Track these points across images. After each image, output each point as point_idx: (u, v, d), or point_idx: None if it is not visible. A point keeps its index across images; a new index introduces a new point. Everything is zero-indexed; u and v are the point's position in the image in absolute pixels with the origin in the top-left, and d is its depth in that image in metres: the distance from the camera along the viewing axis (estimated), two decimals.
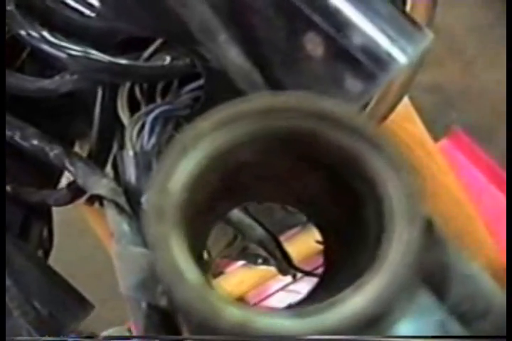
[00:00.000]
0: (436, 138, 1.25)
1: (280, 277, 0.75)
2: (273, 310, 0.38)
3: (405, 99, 0.96)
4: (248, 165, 0.42)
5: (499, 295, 0.46)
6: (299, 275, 0.75)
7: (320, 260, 0.69)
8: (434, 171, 1.08)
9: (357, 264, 0.39)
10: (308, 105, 0.37)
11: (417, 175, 0.37)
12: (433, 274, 0.41)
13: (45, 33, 0.55)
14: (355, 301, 0.35)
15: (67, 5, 0.55)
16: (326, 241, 0.53)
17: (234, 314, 0.35)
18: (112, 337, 0.61)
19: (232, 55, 0.47)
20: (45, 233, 0.67)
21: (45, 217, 0.67)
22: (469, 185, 1.26)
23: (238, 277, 1.11)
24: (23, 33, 0.56)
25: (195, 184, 0.37)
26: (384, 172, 0.37)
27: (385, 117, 0.58)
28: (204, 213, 0.43)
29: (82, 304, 0.61)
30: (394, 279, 0.35)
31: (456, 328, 0.40)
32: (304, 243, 0.90)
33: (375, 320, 0.37)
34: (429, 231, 0.43)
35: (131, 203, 0.55)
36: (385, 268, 0.36)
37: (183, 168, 0.36)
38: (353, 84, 0.46)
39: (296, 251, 0.77)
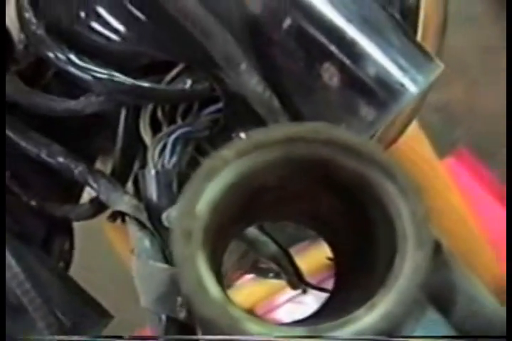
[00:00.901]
0: (441, 155, 1.26)
1: (288, 289, 0.75)
2: (290, 326, 0.39)
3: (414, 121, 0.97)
4: (268, 189, 0.43)
5: (500, 315, 0.48)
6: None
7: (327, 273, 0.70)
8: (441, 190, 1.08)
9: (368, 284, 0.40)
10: (325, 135, 0.38)
11: (424, 200, 0.38)
12: (440, 293, 0.43)
13: (72, 56, 0.56)
14: (368, 320, 0.37)
15: (94, 29, 0.56)
16: (337, 259, 0.54)
17: (254, 330, 0.36)
18: (135, 337, 0.62)
19: (253, 83, 0.47)
20: (67, 246, 0.68)
21: (67, 231, 0.67)
22: (474, 203, 1.26)
23: (247, 289, 1.12)
24: (51, 55, 0.57)
25: (219, 207, 0.38)
26: (395, 197, 0.38)
27: (394, 140, 0.59)
28: (224, 232, 0.45)
29: (102, 314, 0.62)
30: (404, 299, 0.37)
31: None
32: (313, 256, 0.90)
33: (387, 336, 0.39)
34: (438, 252, 0.44)
35: (151, 220, 0.56)
36: (396, 289, 0.37)
37: (208, 193, 0.37)
38: (367, 112, 0.46)
39: (305, 263, 0.77)
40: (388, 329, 0.37)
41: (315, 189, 0.44)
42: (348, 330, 0.37)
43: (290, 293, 1.21)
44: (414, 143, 0.99)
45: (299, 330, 0.37)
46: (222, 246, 0.50)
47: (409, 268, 0.37)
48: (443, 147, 1.29)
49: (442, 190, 1.09)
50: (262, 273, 0.76)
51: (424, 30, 0.57)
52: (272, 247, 0.64)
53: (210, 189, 0.38)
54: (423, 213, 0.38)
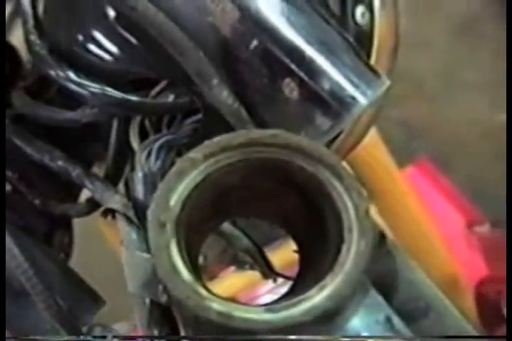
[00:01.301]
0: (403, 164, 1.27)
1: (268, 282, 0.75)
2: (251, 306, 0.40)
3: (373, 131, 0.98)
4: (234, 188, 0.43)
5: (438, 298, 0.48)
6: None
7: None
8: (397, 193, 1.09)
9: (321, 269, 0.40)
10: (282, 140, 0.39)
11: (367, 197, 0.39)
12: (383, 278, 0.43)
13: (71, 73, 0.56)
14: (318, 299, 0.37)
15: (90, 50, 0.56)
16: (300, 251, 0.55)
17: (220, 307, 0.37)
18: (126, 337, 0.61)
19: (224, 96, 0.47)
20: (66, 239, 0.68)
21: (67, 226, 0.68)
22: (432, 207, 1.27)
23: (229, 281, 1.12)
24: (52, 72, 0.57)
25: (190, 203, 0.39)
26: (341, 193, 0.39)
27: (352, 148, 0.59)
28: (198, 226, 0.45)
29: (96, 300, 0.62)
30: (349, 281, 0.38)
31: (400, 323, 0.41)
32: (287, 252, 0.91)
33: (333, 314, 0.39)
34: (382, 242, 0.45)
35: (138, 216, 0.55)
36: (342, 272, 0.38)
37: (180, 190, 0.38)
38: (322, 121, 0.46)
39: (280, 259, 0.77)
40: (334, 306, 0.38)
41: (275, 187, 0.44)
42: (300, 308, 0.38)
43: (270, 284, 1.21)
44: (374, 151, 0.99)
45: (257, 309, 0.38)
46: (197, 238, 0.50)
47: (353, 254, 0.38)
48: (404, 157, 1.29)
49: (400, 195, 1.09)
50: (239, 265, 0.76)
51: (378, 52, 0.57)
52: (245, 241, 0.65)
53: (181, 186, 0.38)
54: (365, 207, 0.39)
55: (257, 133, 0.40)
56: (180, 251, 0.38)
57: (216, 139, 0.39)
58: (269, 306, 0.38)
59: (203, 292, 0.38)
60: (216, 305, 0.37)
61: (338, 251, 0.39)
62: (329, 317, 0.39)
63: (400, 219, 1.03)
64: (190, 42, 0.47)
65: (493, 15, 1.83)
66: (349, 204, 0.39)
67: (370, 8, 0.58)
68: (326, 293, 0.38)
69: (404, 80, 1.60)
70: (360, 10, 0.57)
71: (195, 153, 0.39)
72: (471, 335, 0.47)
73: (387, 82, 0.49)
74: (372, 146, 0.97)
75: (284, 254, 0.91)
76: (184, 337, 0.50)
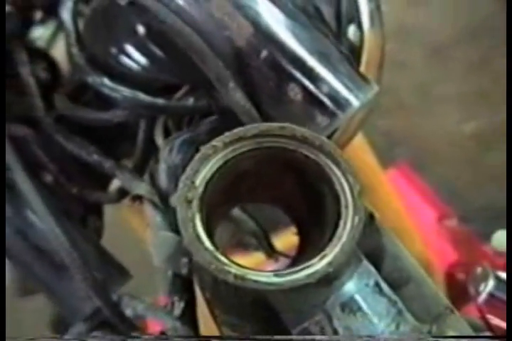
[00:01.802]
0: (385, 167, 1.27)
1: (271, 264, 0.75)
2: (262, 271, 0.41)
3: (361, 136, 0.99)
4: (245, 176, 0.44)
5: (417, 271, 0.49)
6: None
7: None
8: (382, 192, 1.09)
9: (319, 245, 0.41)
10: (289, 131, 0.40)
11: (360, 182, 0.40)
12: (372, 251, 0.44)
13: (105, 80, 0.57)
14: (319, 265, 0.38)
15: (122, 61, 0.58)
16: (299, 232, 0.55)
17: (236, 271, 0.38)
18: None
19: (238, 97, 0.48)
20: (98, 223, 0.68)
21: (99, 211, 0.68)
22: (409, 204, 1.28)
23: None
24: (89, 79, 0.58)
25: (211, 185, 0.39)
26: (339, 177, 0.40)
27: (345, 144, 0.59)
28: (215, 209, 0.45)
29: (123, 274, 0.62)
30: (345, 251, 0.38)
31: (387, 288, 0.42)
32: (287, 237, 0.91)
33: (332, 278, 0.40)
34: (372, 221, 0.46)
35: (162, 201, 0.56)
36: (340, 243, 0.39)
37: (204, 172, 0.39)
38: (321, 119, 0.47)
39: (282, 242, 0.77)
40: (333, 272, 0.38)
41: (280, 174, 0.45)
42: (304, 273, 0.38)
43: (274, 266, 1.21)
44: (363, 155, 1.00)
45: (267, 273, 0.39)
46: (214, 220, 0.51)
47: (349, 228, 0.39)
48: (386, 161, 1.30)
49: (384, 193, 1.10)
50: (245, 247, 0.76)
51: (367, 65, 0.57)
52: (252, 225, 0.66)
53: (205, 169, 0.39)
54: (358, 188, 0.40)
55: (267, 125, 0.40)
56: (203, 224, 0.39)
57: (234, 131, 0.40)
58: (277, 271, 0.39)
59: (222, 258, 0.38)
60: (233, 269, 0.38)
61: (336, 227, 0.40)
62: (329, 280, 0.40)
63: (384, 214, 1.04)
64: (210, 52, 0.48)
65: (462, 40, 1.84)
66: (345, 186, 0.40)
67: (360, 28, 0.58)
68: (326, 260, 0.38)
69: (386, 95, 1.62)
70: (352, 28, 0.58)
71: (216, 142, 0.40)
72: (471, 335, 0.47)
73: (376, 88, 0.49)
74: (361, 151, 0.97)
75: (285, 239, 0.92)
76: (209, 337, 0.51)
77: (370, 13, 0.59)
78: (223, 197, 0.47)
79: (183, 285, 0.54)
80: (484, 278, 0.81)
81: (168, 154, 0.57)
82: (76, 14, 0.61)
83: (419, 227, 1.21)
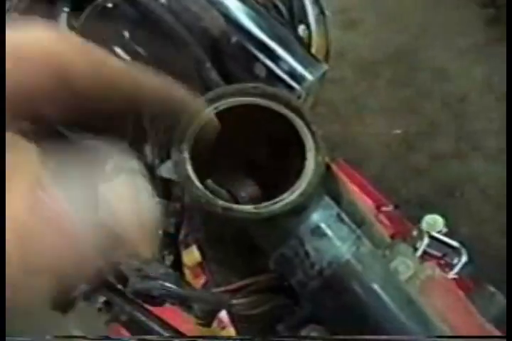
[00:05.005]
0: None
1: None
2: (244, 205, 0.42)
3: None
4: (225, 134, 0.45)
5: (368, 216, 0.51)
6: None
7: None
8: None
9: (290, 180, 0.42)
10: (261, 90, 0.42)
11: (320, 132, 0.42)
12: (331, 194, 0.46)
13: None
14: (291, 198, 0.40)
15: None
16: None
17: (224, 204, 0.40)
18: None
19: (213, 76, 0.51)
20: None
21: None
22: None
23: None
24: None
25: (200, 135, 0.41)
26: (302, 127, 0.42)
27: None
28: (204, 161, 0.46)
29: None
30: (311, 184, 0.41)
31: (346, 218, 0.44)
32: None
33: (301, 209, 0.42)
34: (328, 170, 0.48)
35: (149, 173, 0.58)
36: (307, 178, 0.41)
37: (193, 127, 0.40)
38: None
39: None
40: (302, 201, 0.41)
41: (251, 130, 0.45)
42: (279, 204, 0.40)
43: None
44: None
45: (248, 207, 0.41)
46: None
47: (313, 165, 0.41)
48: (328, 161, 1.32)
49: None
50: None
51: (316, 54, 0.60)
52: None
53: (194, 124, 0.41)
54: (319, 133, 0.42)
55: (242, 85, 0.42)
56: (193, 169, 0.41)
57: (215, 90, 0.42)
58: (256, 205, 0.41)
59: (210, 195, 0.40)
60: (220, 202, 0.40)
61: (302, 166, 0.42)
62: (298, 211, 0.42)
63: None
64: (190, 38, 0.50)
65: (388, 60, 1.89)
66: (308, 133, 0.42)
67: (308, 27, 0.62)
68: (297, 192, 0.40)
69: (324, 106, 1.67)
70: (301, 27, 0.61)
71: (199, 99, 0.41)
72: (471, 335, 0.48)
73: (326, 66, 0.53)
74: None
75: None
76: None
77: (316, 16, 0.63)
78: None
79: (170, 242, 0.56)
80: (420, 237, 0.85)
81: (154, 136, 0.58)
82: (71, 24, 0.62)
83: None
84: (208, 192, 0.40)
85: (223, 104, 0.42)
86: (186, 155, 0.41)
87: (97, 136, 0.62)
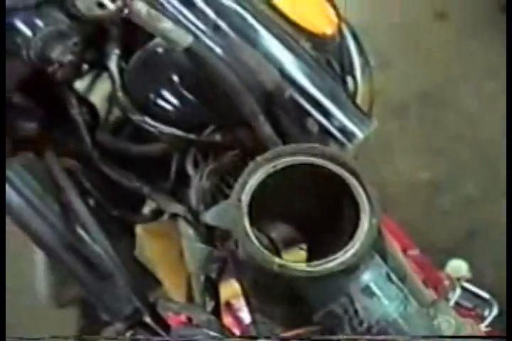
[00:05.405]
0: None
1: None
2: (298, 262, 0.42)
3: None
4: (284, 188, 0.46)
5: (410, 270, 0.52)
6: None
7: None
8: None
9: (342, 240, 0.43)
10: (318, 150, 0.43)
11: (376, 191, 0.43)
12: (379, 251, 0.47)
13: (146, 118, 0.59)
14: (344, 257, 0.41)
15: (160, 104, 0.60)
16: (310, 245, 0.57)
17: (280, 261, 0.41)
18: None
19: (267, 130, 0.52)
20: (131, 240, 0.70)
21: (131, 229, 0.70)
22: None
23: None
24: (134, 117, 0.60)
25: (256, 194, 0.43)
26: (357, 187, 0.43)
27: None
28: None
29: (156, 280, 0.63)
30: (364, 244, 0.42)
31: (395, 278, 0.44)
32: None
33: (354, 268, 0.43)
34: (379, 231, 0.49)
35: (193, 218, 0.59)
36: (359, 240, 0.42)
37: (251, 182, 0.42)
38: (333, 147, 0.51)
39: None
40: (355, 261, 0.41)
41: (307, 188, 0.47)
42: (332, 263, 0.41)
43: None
44: None
45: (302, 264, 0.42)
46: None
47: (367, 227, 0.42)
48: None
49: None
50: None
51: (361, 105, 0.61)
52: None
53: (252, 180, 0.42)
54: (375, 194, 0.43)
55: (300, 145, 0.43)
56: (250, 223, 0.42)
57: (274, 149, 0.43)
58: (309, 263, 0.42)
59: (266, 251, 0.41)
60: (277, 260, 0.41)
61: (355, 228, 0.43)
62: (350, 270, 0.42)
63: None
64: (246, 91, 0.52)
65: (417, 102, 1.89)
66: (363, 195, 0.43)
67: (355, 78, 0.63)
68: (350, 252, 0.41)
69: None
70: (349, 78, 0.63)
71: (259, 157, 0.43)
72: (471, 335, 0.48)
73: (375, 122, 0.54)
74: None
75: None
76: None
77: (362, 67, 0.64)
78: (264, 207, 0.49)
79: (212, 287, 0.57)
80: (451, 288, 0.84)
81: (198, 181, 0.60)
82: (120, 65, 0.64)
83: None
84: (264, 250, 0.41)
85: (282, 162, 0.43)
86: (245, 210, 0.41)
87: (140, 177, 0.65)
